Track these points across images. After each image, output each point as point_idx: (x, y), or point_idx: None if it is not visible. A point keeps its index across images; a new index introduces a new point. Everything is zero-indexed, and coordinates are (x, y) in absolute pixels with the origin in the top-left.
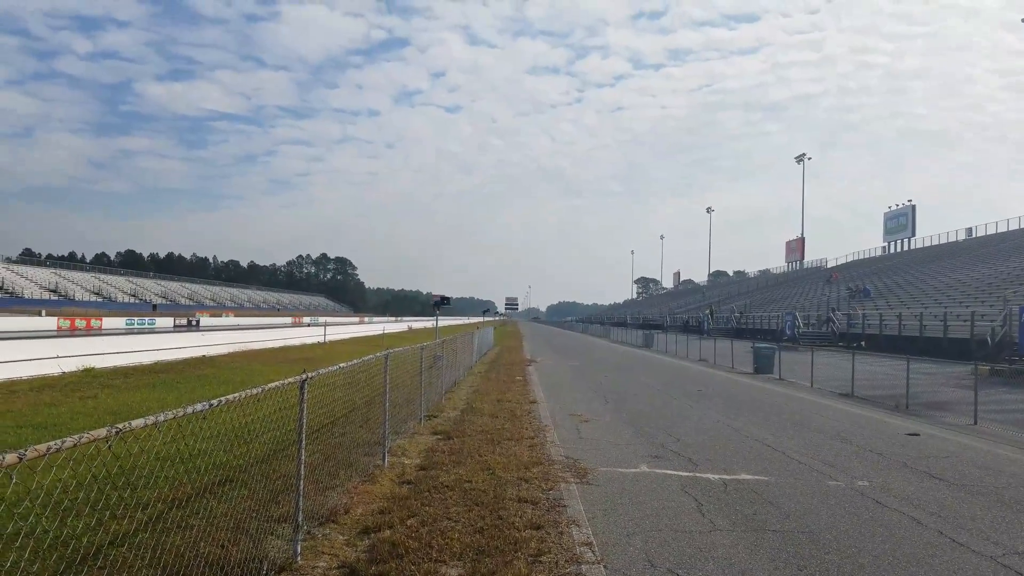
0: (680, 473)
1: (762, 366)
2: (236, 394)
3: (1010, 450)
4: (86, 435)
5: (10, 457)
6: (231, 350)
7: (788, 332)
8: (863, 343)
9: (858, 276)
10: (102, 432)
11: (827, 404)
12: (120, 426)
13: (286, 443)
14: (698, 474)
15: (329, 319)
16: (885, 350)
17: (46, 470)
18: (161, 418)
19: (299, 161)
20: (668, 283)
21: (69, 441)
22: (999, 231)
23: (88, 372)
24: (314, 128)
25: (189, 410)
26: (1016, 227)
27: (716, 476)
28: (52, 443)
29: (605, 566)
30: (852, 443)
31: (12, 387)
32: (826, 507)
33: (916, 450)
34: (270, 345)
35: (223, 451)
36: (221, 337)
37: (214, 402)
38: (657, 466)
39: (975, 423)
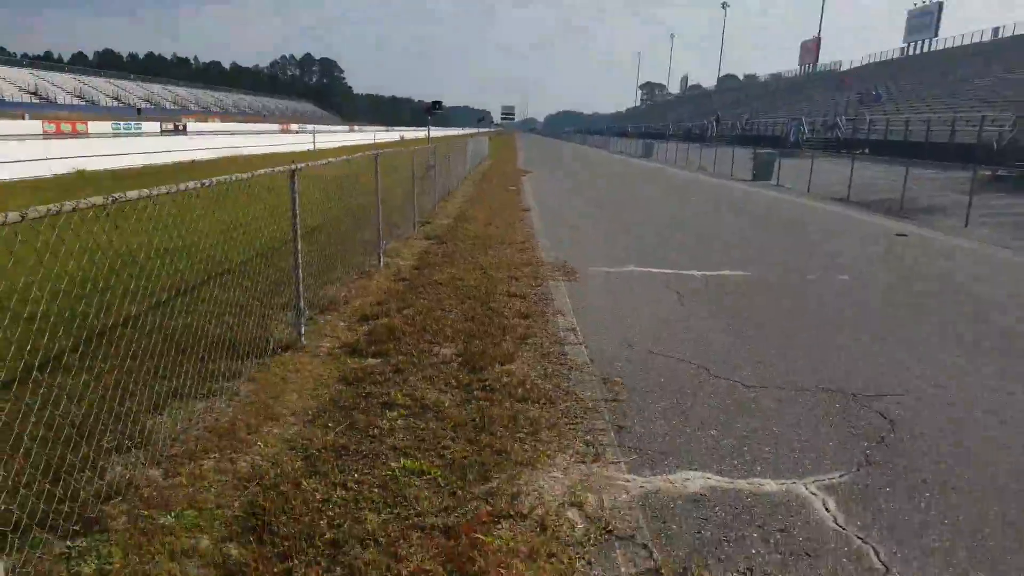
0: (665, 271)
1: (761, 173)
2: (227, 176)
3: (993, 249)
4: (84, 201)
5: (12, 215)
6: (220, 155)
7: (792, 138)
8: (866, 149)
9: (872, 80)
10: (99, 199)
11: (821, 208)
12: (116, 195)
13: (282, 241)
14: (682, 271)
15: (318, 127)
16: (890, 155)
17: (51, 263)
18: (155, 191)
19: None
20: (676, 89)
21: (68, 205)
22: None
23: (80, 175)
24: None
25: (183, 187)
26: None
27: (700, 272)
28: (52, 206)
29: (586, 346)
30: (838, 242)
31: (6, 188)
32: (803, 297)
33: (901, 249)
34: (260, 151)
35: (221, 246)
36: (210, 142)
37: (206, 181)
38: (643, 265)
39: (966, 225)
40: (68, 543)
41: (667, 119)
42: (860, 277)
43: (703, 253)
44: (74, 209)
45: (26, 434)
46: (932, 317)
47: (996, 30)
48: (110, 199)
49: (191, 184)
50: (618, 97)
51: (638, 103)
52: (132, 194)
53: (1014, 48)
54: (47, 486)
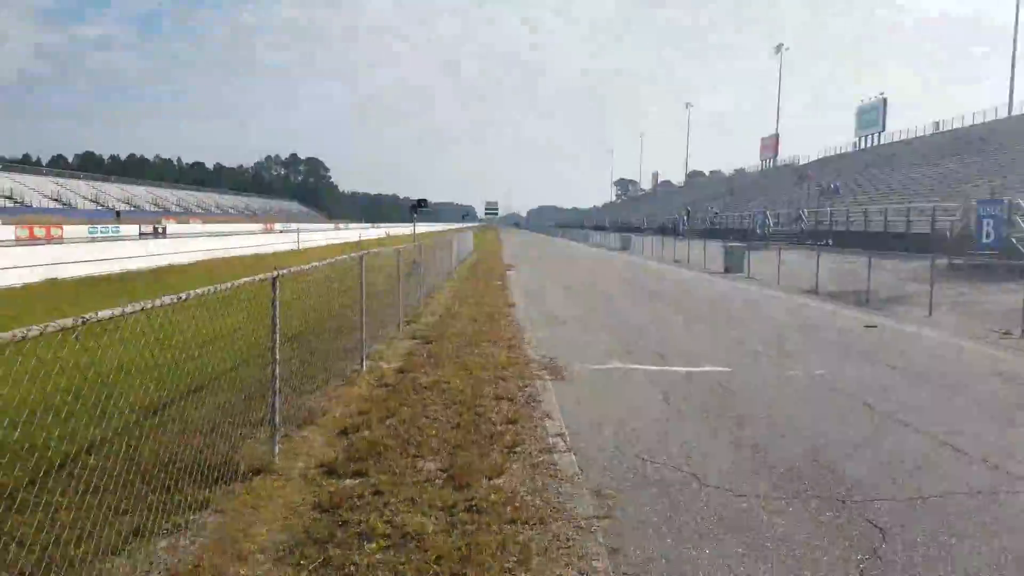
0: (649, 367)
1: (732, 265)
2: (204, 288)
3: (960, 339)
4: (52, 324)
5: None
6: (200, 258)
7: (759, 231)
8: (830, 240)
9: (829, 173)
10: (68, 321)
11: (792, 299)
12: (86, 316)
13: (260, 350)
14: (666, 367)
15: (302, 225)
16: (852, 246)
17: (12, 392)
18: (128, 309)
19: (268, 52)
20: (647, 184)
21: (35, 330)
22: (964, 125)
23: (52, 283)
24: (279, 11)
25: (157, 302)
26: (980, 121)
27: (683, 369)
28: (17, 331)
29: (576, 454)
30: (813, 335)
31: None
32: (784, 394)
33: (873, 341)
34: (241, 253)
35: (195, 359)
36: (190, 244)
37: (183, 295)
38: (628, 361)
39: (930, 315)
40: None
41: (641, 213)
42: (837, 371)
43: (685, 348)
44: (41, 334)
45: None
46: (912, 414)
47: (936, 124)
48: (79, 320)
49: (166, 299)
50: (596, 192)
51: (613, 198)
52: (104, 313)
53: (955, 141)
54: None
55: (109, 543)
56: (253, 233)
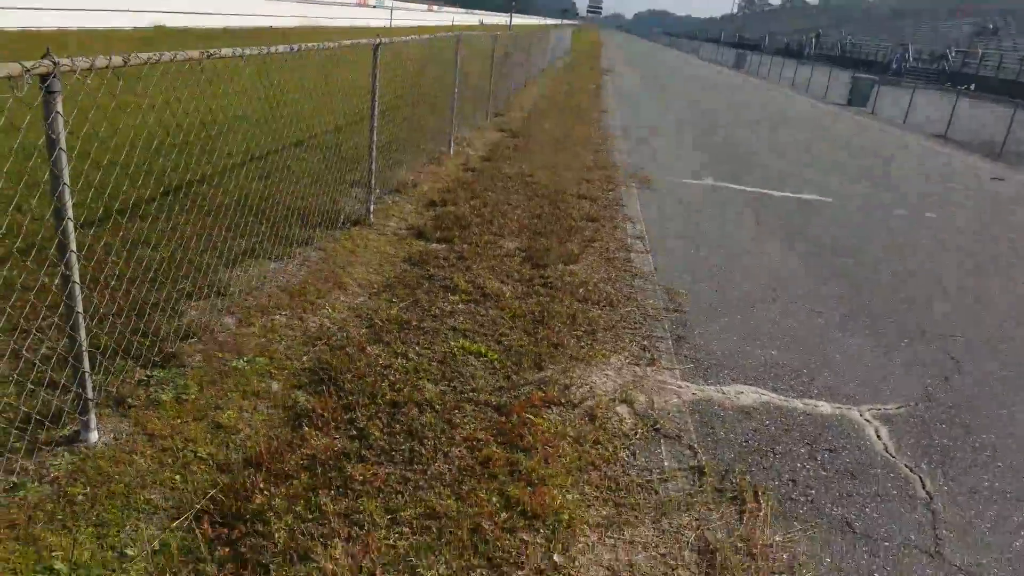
0: (744, 188)
1: (857, 98)
2: (314, 44)
3: None
4: (182, 53)
5: (115, 59)
6: (298, 24)
7: (895, 65)
8: (972, 85)
9: (989, 13)
10: (195, 53)
11: (915, 142)
12: (211, 51)
13: (357, 118)
14: (762, 190)
15: (396, 3)
16: (999, 94)
17: (134, 113)
18: (247, 51)
19: None
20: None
21: (167, 55)
22: None
23: (160, 30)
24: None
25: (273, 50)
26: None
27: (779, 194)
28: (152, 54)
29: (653, 255)
30: (930, 179)
31: (85, 37)
32: (882, 230)
33: (995, 193)
34: (337, 24)
35: (295, 118)
36: (288, 8)
37: (295, 47)
38: (722, 180)
39: None
40: (148, 372)
41: (764, 31)
42: (948, 217)
43: (786, 174)
44: (172, 59)
45: (102, 276)
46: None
47: None
48: (205, 54)
49: (281, 48)
50: (715, 2)
51: (735, 10)
52: (226, 51)
53: None
54: (132, 319)
55: (225, 257)
56: (347, 4)
